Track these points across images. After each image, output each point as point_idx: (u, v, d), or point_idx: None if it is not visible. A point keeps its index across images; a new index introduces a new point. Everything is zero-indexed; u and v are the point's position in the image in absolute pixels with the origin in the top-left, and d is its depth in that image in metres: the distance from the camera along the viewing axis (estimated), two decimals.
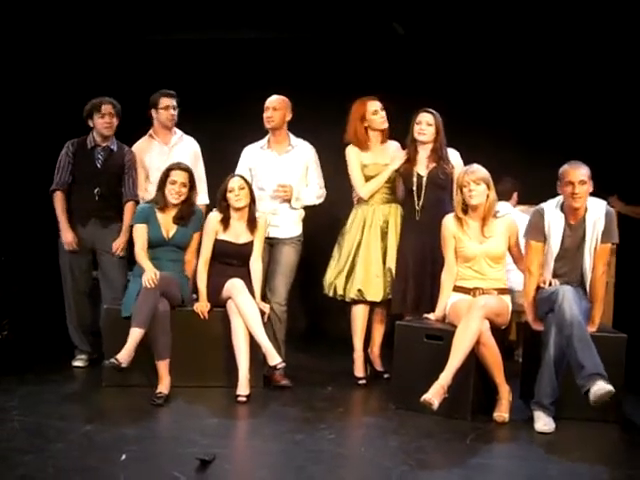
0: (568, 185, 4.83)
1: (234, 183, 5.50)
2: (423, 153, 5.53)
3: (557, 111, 7.05)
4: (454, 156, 5.53)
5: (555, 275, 4.98)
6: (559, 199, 4.97)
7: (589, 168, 4.86)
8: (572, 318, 4.60)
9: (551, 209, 4.96)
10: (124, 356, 4.95)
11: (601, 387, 4.36)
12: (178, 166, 5.49)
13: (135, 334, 5.03)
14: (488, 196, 5.07)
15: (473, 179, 5.03)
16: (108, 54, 7.34)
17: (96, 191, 5.74)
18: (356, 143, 5.67)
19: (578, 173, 4.82)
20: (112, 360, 4.92)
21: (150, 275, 5.19)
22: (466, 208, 5.11)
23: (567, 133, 6.98)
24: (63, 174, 5.76)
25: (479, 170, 5.08)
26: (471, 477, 4.02)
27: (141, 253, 5.42)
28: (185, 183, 5.46)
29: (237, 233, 5.55)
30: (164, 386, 5.11)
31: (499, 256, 5.12)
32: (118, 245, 5.78)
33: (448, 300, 5.15)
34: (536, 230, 4.98)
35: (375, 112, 5.62)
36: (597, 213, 4.88)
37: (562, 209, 4.94)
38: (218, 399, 5.20)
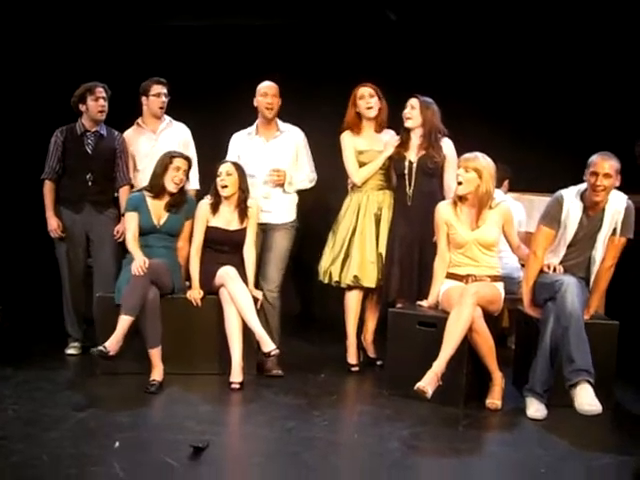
0: (592, 176, 4.75)
1: (222, 168, 5.50)
2: (415, 139, 5.52)
3: (550, 99, 7.04)
4: (447, 146, 5.51)
5: (562, 262, 4.97)
6: (580, 187, 4.89)
7: (617, 159, 4.78)
8: (572, 310, 4.59)
9: (571, 197, 4.88)
10: (112, 344, 4.94)
11: (591, 402, 4.37)
12: (180, 154, 5.51)
13: (124, 322, 5.02)
14: (479, 187, 4.99)
15: (464, 165, 5.00)
16: (98, 41, 7.30)
17: (88, 176, 5.74)
18: (349, 127, 5.68)
19: (605, 165, 4.73)
20: (100, 348, 4.90)
21: (139, 263, 5.18)
22: None
23: (560, 121, 6.98)
24: (52, 163, 5.76)
25: (475, 159, 5.00)
26: (464, 463, 4.06)
27: (132, 241, 5.41)
28: (186, 171, 5.49)
29: (228, 220, 5.54)
30: (157, 374, 5.12)
31: (491, 243, 5.10)
32: (119, 229, 5.78)
33: (441, 287, 5.15)
34: (551, 217, 4.91)
35: (361, 97, 5.61)
36: (617, 206, 4.83)
37: (582, 198, 4.87)
38: (211, 386, 5.21)
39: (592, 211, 4.85)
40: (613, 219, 4.84)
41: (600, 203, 4.81)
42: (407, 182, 5.49)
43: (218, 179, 5.48)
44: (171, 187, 5.45)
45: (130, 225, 5.46)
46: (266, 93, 5.70)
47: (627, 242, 4.90)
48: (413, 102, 5.48)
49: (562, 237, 4.93)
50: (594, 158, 4.79)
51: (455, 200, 5.11)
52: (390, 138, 5.66)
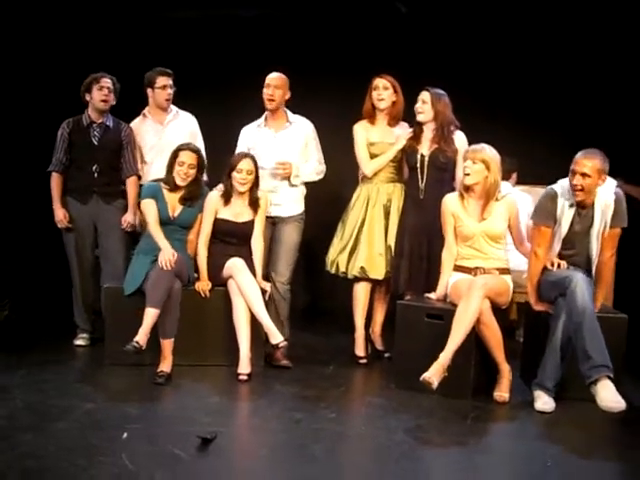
0: (571, 174, 4.71)
1: (245, 165, 5.44)
2: (427, 132, 5.52)
3: (558, 91, 7.02)
4: (459, 139, 5.50)
5: (561, 257, 4.94)
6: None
7: (604, 159, 4.69)
8: (584, 306, 4.55)
9: (563, 192, 4.82)
10: (142, 338, 4.96)
11: (615, 399, 4.33)
12: (187, 147, 5.48)
13: (151, 314, 5.03)
14: (487, 178, 5.01)
15: (472, 157, 5.00)
16: (105, 32, 7.28)
17: (94, 168, 5.75)
18: (365, 117, 5.69)
19: (584, 163, 4.66)
20: (133, 344, 4.92)
21: (168, 257, 5.18)
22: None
23: (568, 112, 6.95)
24: (59, 155, 5.78)
25: (482, 150, 5.02)
26: (471, 456, 4.05)
27: (156, 227, 5.36)
28: (193, 165, 5.45)
29: (237, 212, 5.54)
30: (166, 365, 5.13)
31: (498, 235, 5.10)
32: (126, 219, 5.78)
33: (449, 279, 5.15)
34: (546, 214, 4.86)
35: (375, 88, 5.61)
36: (606, 199, 4.76)
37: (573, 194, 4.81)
38: (219, 378, 5.23)
39: (582, 207, 4.81)
40: (604, 214, 4.78)
41: (586, 200, 4.76)
42: (419, 175, 5.48)
43: (238, 175, 5.44)
44: (178, 181, 5.45)
45: (150, 211, 5.41)
46: (268, 84, 5.67)
47: (625, 232, 4.85)
48: (424, 96, 5.46)
49: (556, 233, 4.89)
50: (577, 155, 4.73)
51: (462, 192, 5.11)
52: (403, 131, 5.65)
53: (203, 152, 5.96)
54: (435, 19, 7.17)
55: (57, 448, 3.85)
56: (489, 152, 5.02)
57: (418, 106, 5.47)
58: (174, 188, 5.48)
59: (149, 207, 5.43)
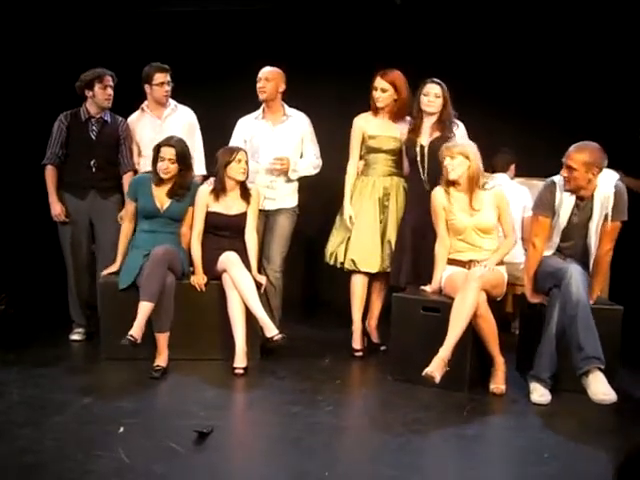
0: (563, 165, 4.75)
1: (243, 156, 5.48)
2: (427, 123, 5.51)
3: (557, 82, 6.99)
4: (460, 129, 5.50)
5: (558, 248, 4.95)
6: None
7: (595, 153, 4.70)
8: (578, 298, 4.57)
9: (562, 184, 4.83)
10: (137, 331, 4.96)
11: (606, 391, 4.37)
12: (167, 142, 5.46)
13: (145, 308, 5.03)
14: (469, 167, 5.03)
15: (449, 154, 5.03)
16: (102, 26, 7.26)
17: (92, 163, 5.73)
18: (371, 109, 5.67)
19: (571, 157, 4.70)
20: (128, 337, 4.91)
21: (115, 263, 5.48)
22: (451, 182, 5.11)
23: (567, 105, 6.94)
24: (54, 148, 5.75)
25: (455, 145, 5.08)
26: (467, 448, 4.06)
27: (122, 237, 5.57)
28: (172, 159, 5.43)
29: (228, 205, 5.54)
30: (162, 359, 5.14)
31: (490, 228, 5.11)
32: (122, 215, 5.77)
33: (443, 273, 5.15)
34: (546, 205, 4.88)
35: (374, 88, 5.58)
36: (605, 191, 4.76)
37: None
38: (215, 372, 5.21)
39: (581, 199, 4.81)
40: (603, 206, 4.78)
41: (581, 191, 4.77)
42: (420, 167, 5.47)
43: (238, 165, 5.46)
44: (161, 175, 5.47)
45: (127, 214, 5.60)
46: (259, 78, 5.71)
47: (623, 224, 4.86)
48: (437, 90, 5.44)
49: (555, 225, 4.90)
50: (570, 147, 4.76)
51: (445, 188, 5.13)
52: (407, 127, 5.62)
53: (201, 145, 6.00)
54: (431, 10, 7.14)
55: (54, 443, 3.86)
56: (464, 144, 5.10)
57: (431, 100, 5.45)
58: (159, 182, 5.50)
59: (127, 208, 5.61)
